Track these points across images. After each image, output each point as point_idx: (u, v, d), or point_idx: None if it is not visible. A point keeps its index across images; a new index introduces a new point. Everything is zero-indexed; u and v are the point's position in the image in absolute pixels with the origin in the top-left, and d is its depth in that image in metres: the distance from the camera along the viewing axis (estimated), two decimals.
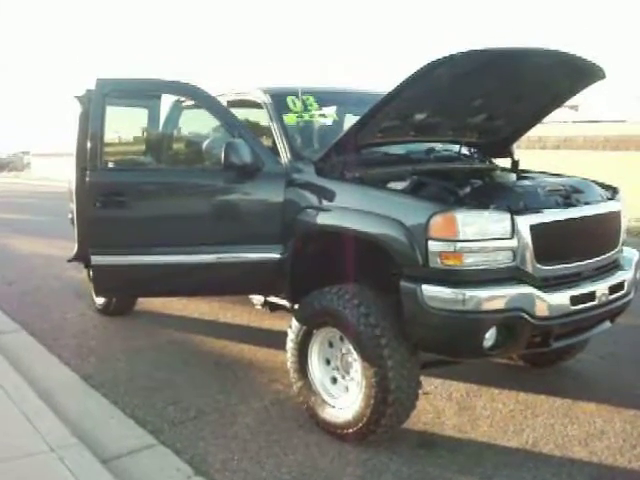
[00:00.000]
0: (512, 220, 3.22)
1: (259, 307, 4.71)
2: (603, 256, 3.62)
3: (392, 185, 3.62)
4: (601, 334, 3.92)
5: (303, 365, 3.78)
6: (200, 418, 3.97)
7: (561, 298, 3.32)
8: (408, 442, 3.61)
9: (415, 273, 3.25)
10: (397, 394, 3.33)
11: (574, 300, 3.35)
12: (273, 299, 4.43)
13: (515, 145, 4.76)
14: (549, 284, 3.34)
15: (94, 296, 5.88)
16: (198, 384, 4.48)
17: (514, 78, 3.75)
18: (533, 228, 3.26)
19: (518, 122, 4.37)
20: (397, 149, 4.34)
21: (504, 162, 4.76)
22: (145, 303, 6.35)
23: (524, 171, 4.46)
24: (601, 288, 3.50)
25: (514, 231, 3.22)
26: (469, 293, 3.13)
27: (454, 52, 3.20)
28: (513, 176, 4.11)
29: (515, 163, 4.60)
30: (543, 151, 12.67)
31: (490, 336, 3.23)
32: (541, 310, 3.25)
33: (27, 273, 8.31)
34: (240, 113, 4.56)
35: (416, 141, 4.38)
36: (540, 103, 4.19)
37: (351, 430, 3.51)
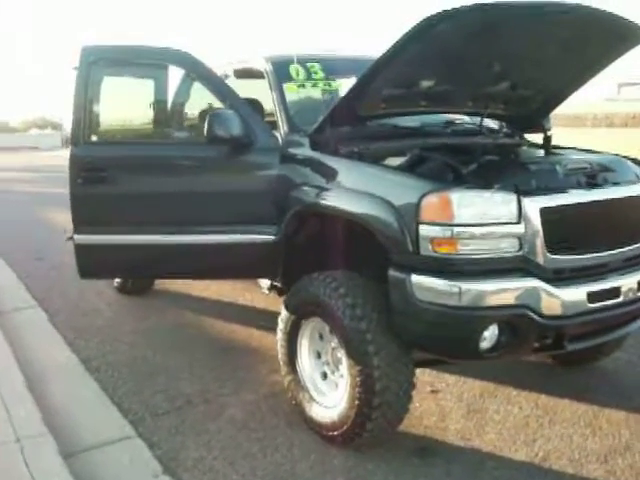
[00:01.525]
0: (519, 202, 2.78)
1: (266, 292, 4.39)
2: (632, 246, 3.11)
3: (389, 161, 3.22)
4: None
5: (292, 358, 3.46)
6: (186, 409, 3.72)
7: (576, 294, 2.86)
8: (402, 448, 3.24)
9: (405, 261, 2.86)
10: (384, 396, 2.96)
11: (593, 297, 2.88)
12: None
13: (549, 118, 4.24)
14: (563, 277, 2.88)
15: None
16: (195, 371, 4.24)
17: (537, 40, 3.26)
18: (544, 212, 2.80)
19: (549, 92, 3.85)
20: (410, 121, 3.91)
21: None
22: (166, 282, 6.16)
23: (555, 147, 3.95)
24: (628, 283, 3.01)
25: (521, 215, 2.78)
26: (465, 286, 2.71)
27: (455, 6, 2.76)
28: (536, 153, 3.64)
29: (547, 138, 4.08)
30: (610, 129, 11.81)
31: (489, 336, 2.81)
32: (551, 308, 2.80)
33: (60, 248, 8.26)
34: (245, 84, 4.24)
35: (430, 112, 3.93)
36: (572, 70, 3.66)
37: (336, 432, 3.17)
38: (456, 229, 2.72)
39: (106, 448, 3.31)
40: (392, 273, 2.89)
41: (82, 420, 3.60)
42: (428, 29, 2.84)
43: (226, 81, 4.40)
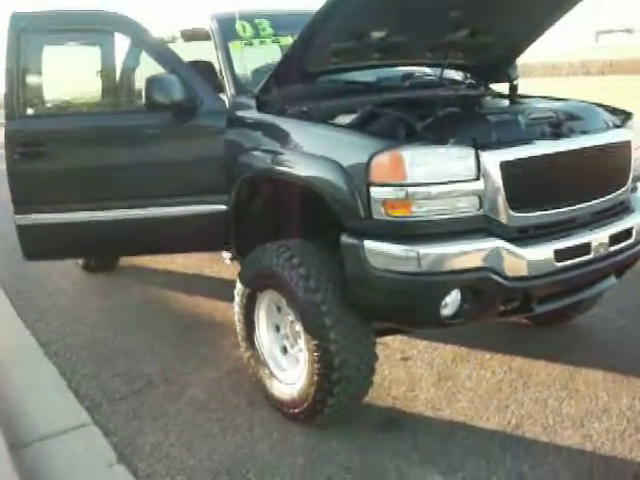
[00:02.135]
0: (477, 157, 2.57)
1: (228, 262, 4.19)
2: (603, 198, 2.92)
3: (339, 119, 3.00)
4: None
5: (250, 332, 3.27)
6: (144, 391, 3.55)
7: (542, 253, 2.67)
8: (367, 422, 3.09)
9: (357, 226, 2.66)
10: (344, 370, 2.78)
11: (560, 255, 2.69)
12: None
13: (516, 66, 4.01)
14: (527, 236, 2.70)
15: None
16: (157, 350, 4.06)
17: None
18: (505, 166, 2.60)
19: (511, 38, 3.60)
20: (365, 76, 3.67)
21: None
22: (132, 258, 5.93)
23: (520, 96, 3.73)
24: (598, 238, 2.82)
25: (480, 171, 2.58)
26: (422, 250, 2.52)
27: None
28: (500, 103, 3.41)
29: (513, 87, 3.86)
30: (587, 77, 11.52)
31: (451, 302, 2.63)
32: (515, 269, 2.62)
33: None
34: (198, 48, 3.98)
35: (386, 65, 3.68)
36: (534, 15, 3.41)
37: (297, 410, 3.01)
38: (410, 189, 2.52)
39: (61, 437, 3.15)
40: (344, 239, 2.69)
41: (38, 408, 3.44)
42: None
43: (174, 44, 4.15)
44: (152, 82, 3.24)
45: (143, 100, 3.24)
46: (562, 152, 2.77)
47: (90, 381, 3.71)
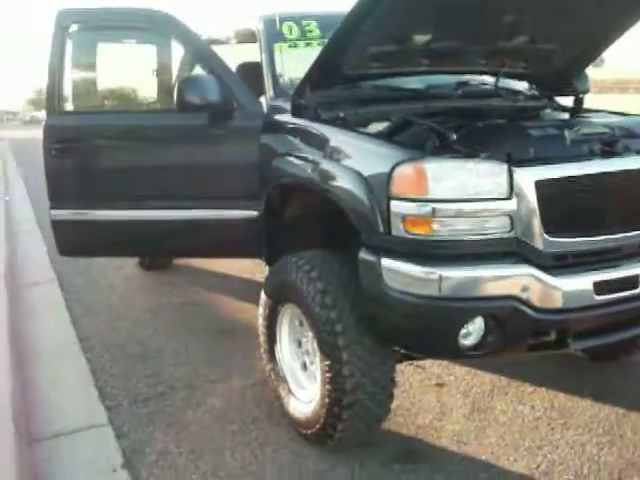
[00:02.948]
0: (510, 173, 2.34)
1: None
2: None
3: (372, 127, 2.83)
4: None
5: (272, 345, 3.14)
6: (166, 396, 3.49)
7: (580, 284, 2.40)
8: (385, 451, 2.89)
9: (376, 242, 2.48)
10: (356, 395, 2.60)
11: (601, 287, 2.41)
12: None
13: (586, 78, 3.71)
14: (565, 264, 2.43)
15: None
16: (190, 353, 4.02)
17: None
18: (541, 185, 2.35)
19: (575, 46, 3.31)
20: (414, 83, 3.47)
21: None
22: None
23: (584, 110, 3.43)
24: None
25: (512, 189, 2.34)
26: (442, 273, 2.31)
27: None
28: (554, 116, 3.13)
29: (578, 100, 3.56)
30: None
31: (472, 332, 2.40)
32: (548, 300, 2.36)
33: None
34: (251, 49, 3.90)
35: (437, 72, 3.46)
36: (604, 17, 3.11)
37: (309, 431, 2.85)
38: (432, 206, 2.31)
39: (73, 436, 3.13)
40: (362, 255, 2.51)
41: (58, 403, 3.45)
42: None
43: (229, 45, 4.09)
44: (186, 82, 3.18)
45: (175, 99, 3.17)
46: (610, 172, 2.49)
47: (116, 380, 3.69)
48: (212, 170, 3.40)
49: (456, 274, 2.32)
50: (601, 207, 2.51)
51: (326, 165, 2.73)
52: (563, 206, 2.42)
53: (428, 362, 3.63)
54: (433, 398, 3.34)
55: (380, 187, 2.42)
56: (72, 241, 3.68)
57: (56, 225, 3.63)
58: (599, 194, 2.49)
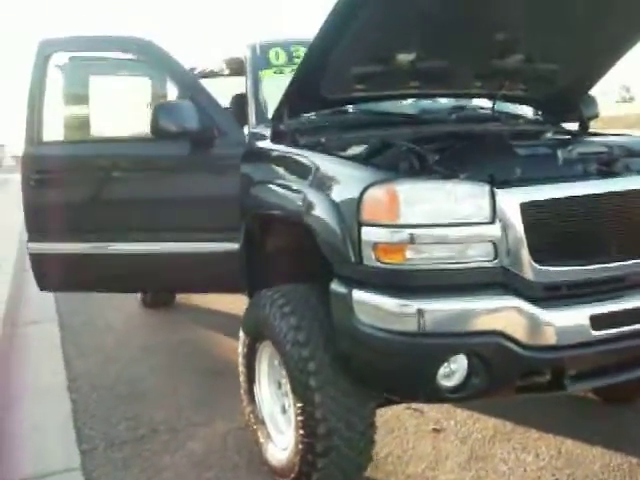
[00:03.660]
0: (492, 195, 2.12)
1: None
2: None
3: (349, 151, 2.65)
4: None
5: (251, 386, 2.93)
6: (145, 440, 3.29)
7: (575, 318, 2.16)
8: None
9: (348, 273, 2.28)
10: (330, 441, 2.37)
11: (599, 321, 2.16)
12: None
13: (593, 102, 3.50)
14: (557, 296, 2.19)
15: None
16: (179, 395, 3.82)
17: None
18: (527, 208, 2.14)
19: (578, 66, 3.10)
20: (405, 108, 3.30)
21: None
22: (191, 295, 5.79)
23: (586, 134, 3.21)
24: None
25: (495, 212, 2.13)
26: (417, 306, 2.09)
27: None
28: (550, 138, 2.91)
29: (583, 124, 3.34)
30: None
31: (452, 373, 2.16)
32: (538, 336, 2.12)
33: None
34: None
35: (426, 95, 3.29)
36: (610, 32, 2.88)
37: None
38: (405, 231, 2.11)
39: (47, 479, 2.96)
40: (333, 288, 2.31)
41: (35, 446, 3.31)
42: None
43: (220, 76, 3.99)
44: (160, 108, 3.05)
45: (150, 126, 3.04)
46: (608, 193, 2.26)
47: (97, 422, 3.51)
48: (192, 200, 3.25)
49: (433, 307, 2.10)
50: (598, 232, 2.28)
51: (300, 192, 2.55)
52: (554, 231, 2.20)
53: (427, 406, 3.38)
54: (428, 444, 3.08)
55: (350, 213, 2.23)
56: (51, 275, 3.54)
57: (34, 259, 3.49)
58: (596, 217, 2.26)
